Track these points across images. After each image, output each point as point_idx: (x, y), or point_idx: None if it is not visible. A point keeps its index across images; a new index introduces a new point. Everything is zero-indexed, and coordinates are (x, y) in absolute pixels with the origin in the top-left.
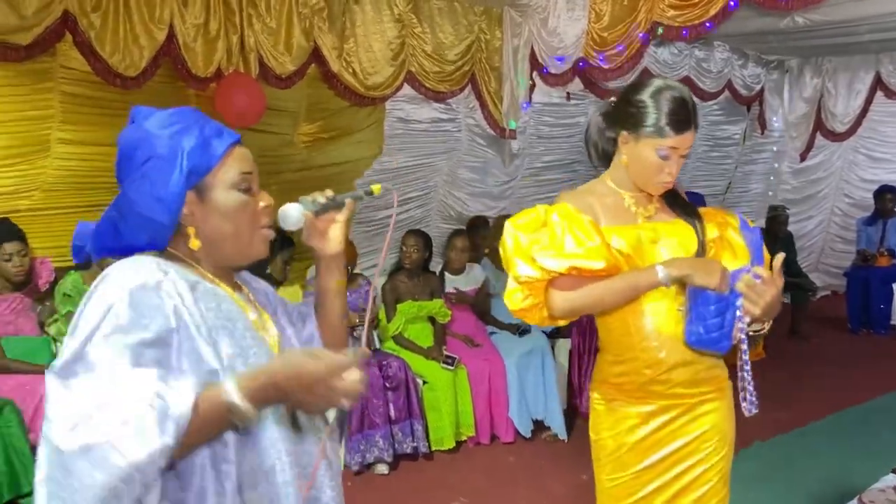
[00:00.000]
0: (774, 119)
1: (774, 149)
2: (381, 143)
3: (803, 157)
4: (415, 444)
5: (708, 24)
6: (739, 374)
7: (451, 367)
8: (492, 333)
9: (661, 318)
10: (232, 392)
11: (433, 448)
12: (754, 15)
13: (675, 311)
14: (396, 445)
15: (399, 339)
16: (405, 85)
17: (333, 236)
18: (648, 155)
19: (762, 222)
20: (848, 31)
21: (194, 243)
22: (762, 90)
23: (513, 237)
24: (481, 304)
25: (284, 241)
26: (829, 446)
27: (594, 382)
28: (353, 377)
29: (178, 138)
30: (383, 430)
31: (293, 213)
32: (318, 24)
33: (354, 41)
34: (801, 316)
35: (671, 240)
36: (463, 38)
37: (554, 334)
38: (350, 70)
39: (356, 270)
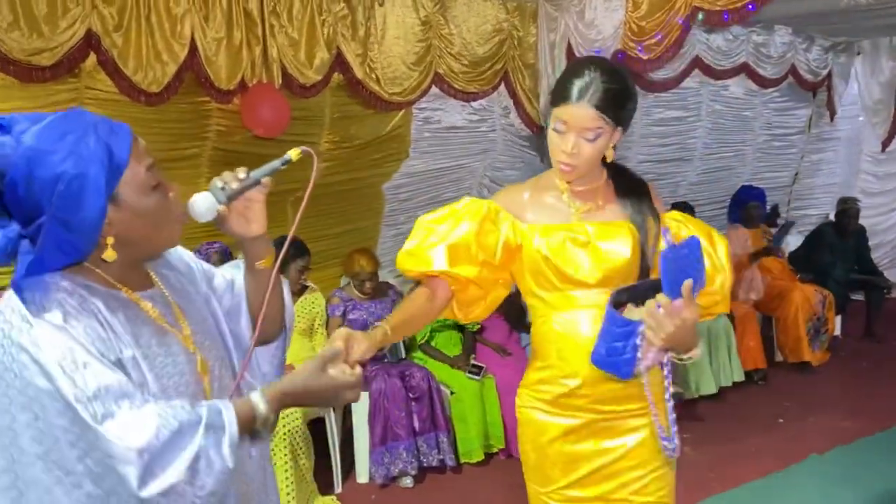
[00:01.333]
0: (845, 104)
1: (848, 136)
2: (408, 147)
3: (885, 145)
4: (441, 456)
5: (750, 6)
6: (653, 409)
7: (478, 377)
8: (526, 344)
9: (588, 327)
10: (259, 403)
11: (462, 461)
12: None
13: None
14: (422, 458)
15: (426, 349)
16: (434, 87)
17: (255, 217)
18: (550, 133)
19: (832, 216)
20: None
21: (110, 254)
22: (829, 74)
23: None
24: (514, 312)
25: (298, 250)
26: (893, 459)
27: (519, 387)
28: (355, 392)
29: (80, 150)
30: (407, 441)
31: (202, 205)
32: (342, 31)
33: (378, 47)
34: (876, 315)
35: (605, 244)
36: (492, 36)
37: None
38: (374, 76)
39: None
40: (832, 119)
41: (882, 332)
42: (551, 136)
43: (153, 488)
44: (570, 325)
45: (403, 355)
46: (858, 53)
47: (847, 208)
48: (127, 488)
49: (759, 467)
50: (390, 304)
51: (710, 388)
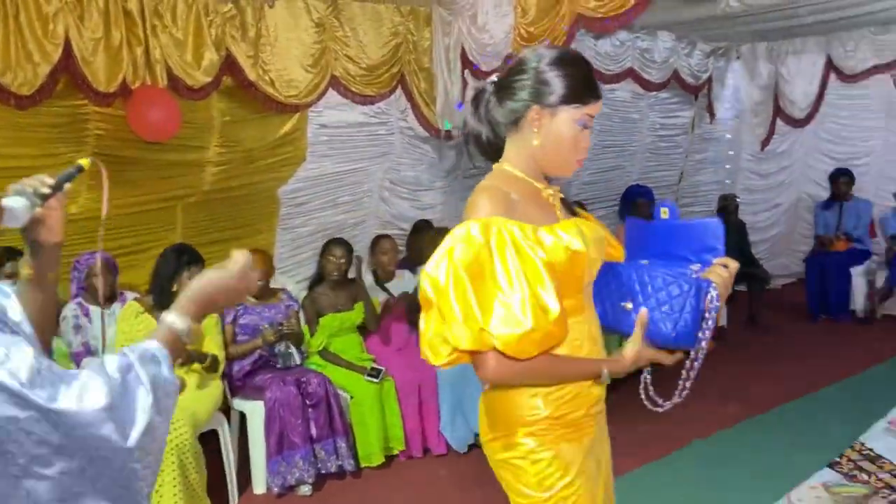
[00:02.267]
0: (725, 107)
1: (728, 137)
2: (305, 151)
3: (765, 145)
4: (340, 462)
5: (629, 14)
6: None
7: (376, 380)
8: None
9: (597, 326)
10: (174, 320)
11: (362, 465)
12: (679, 4)
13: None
14: (320, 465)
15: (325, 355)
16: (330, 90)
17: (54, 224)
18: (566, 129)
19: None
20: (788, 13)
21: None
22: (710, 78)
23: (456, 286)
24: (415, 314)
25: (191, 257)
26: (771, 440)
27: (507, 436)
28: (252, 278)
29: None
30: (304, 449)
31: (19, 207)
32: (231, 32)
33: (271, 48)
34: (758, 305)
35: (597, 241)
36: (388, 40)
37: None
38: (267, 78)
39: (274, 285)
40: (713, 120)
41: (765, 321)
42: (573, 132)
43: (135, 434)
44: (590, 326)
45: (298, 362)
46: (738, 58)
47: (727, 204)
48: (112, 447)
49: (647, 454)
50: (284, 310)
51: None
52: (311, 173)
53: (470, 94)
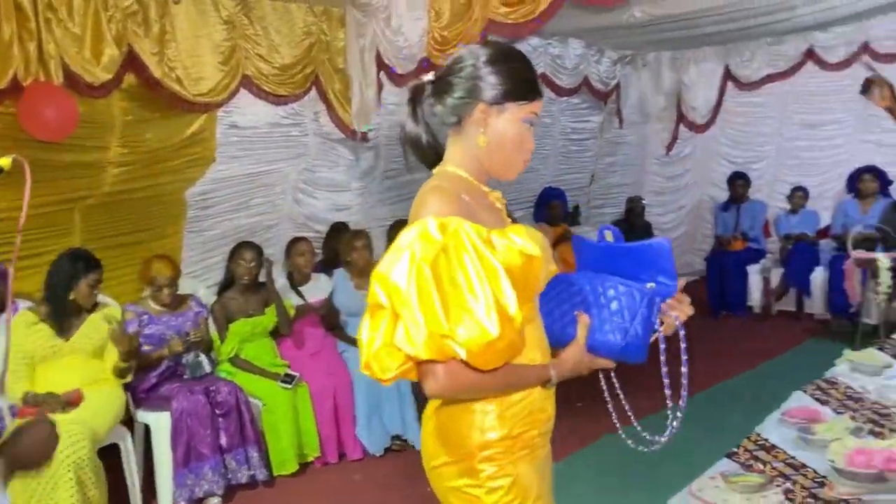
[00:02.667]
0: (631, 112)
1: (635, 142)
2: (214, 151)
3: (669, 149)
4: (252, 471)
5: (538, 20)
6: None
7: (290, 386)
8: (343, 351)
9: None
10: None
11: (275, 473)
12: (587, 12)
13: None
14: (230, 475)
15: (236, 361)
16: (242, 89)
17: None
18: (513, 127)
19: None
20: (690, 23)
21: None
22: (618, 84)
23: (420, 289)
24: (330, 318)
25: (88, 263)
26: (678, 431)
27: (468, 448)
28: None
29: None
30: (213, 460)
31: None
32: (133, 27)
33: (177, 45)
34: None
35: (544, 245)
36: (301, 39)
37: None
38: (174, 76)
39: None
40: (621, 125)
41: None
42: (519, 130)
43: None
44: (540, 335)
45: (208, 371)
46: (644, 65)
47: (633, 206)
48: None
49: (563, 450)
50: (193, 317)
51: None
52: (221, 175)
53: (406, 95)
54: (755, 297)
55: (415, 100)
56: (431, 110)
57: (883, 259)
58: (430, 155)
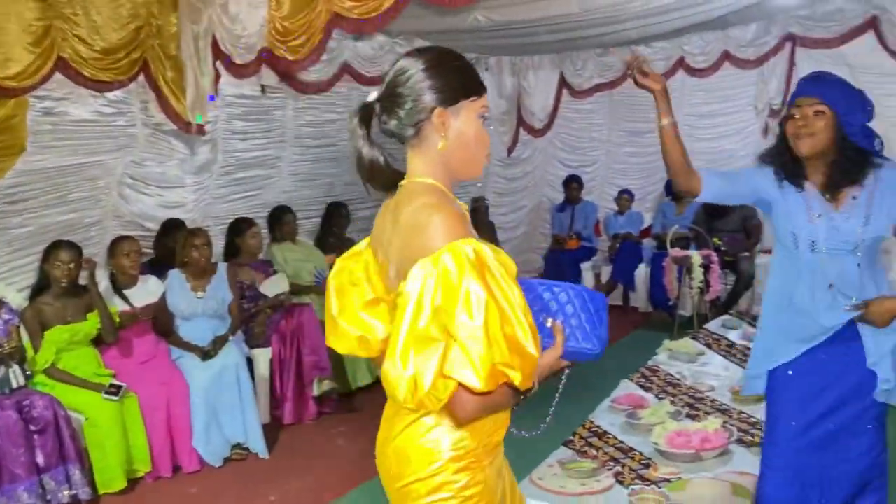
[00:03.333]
0: None
1: None
2: (24, 141)
3: (511, 151)
4: (73, 491)
5: (382, 17)
6: None
7: (116, 398)
8: (177, 358)
9: None
10: None
11: (101, 491)
12: (433, 13)
13: None
14: (49, 496)
15: (52, 373)
16: (58, 73)
17: None
18: (472, 125)
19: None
20: (528, 31)
21: None
22: None
23: (487, 319)
24: (162, 322)
25: None
26: (512, 425)
27: (439, 463)
28: None
29: None
30: (28, 481)
31: None
32: None
33: None
34: None
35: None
36: (127, 21)
37: (252, 345)
38: None
39: None
40: None
41: None
42: (476, 126)
43: None
44: None
45: (23, 383)
46: (486, 69)
47: (478, 206)
48: None
49: None
50: (1, 326)
51: (366, 378)
52: (34, 166)
53: (354, 120)
54: None
55: (364, 121)
56: (384, 128)
57: (696, 256)
58: (390, 176)
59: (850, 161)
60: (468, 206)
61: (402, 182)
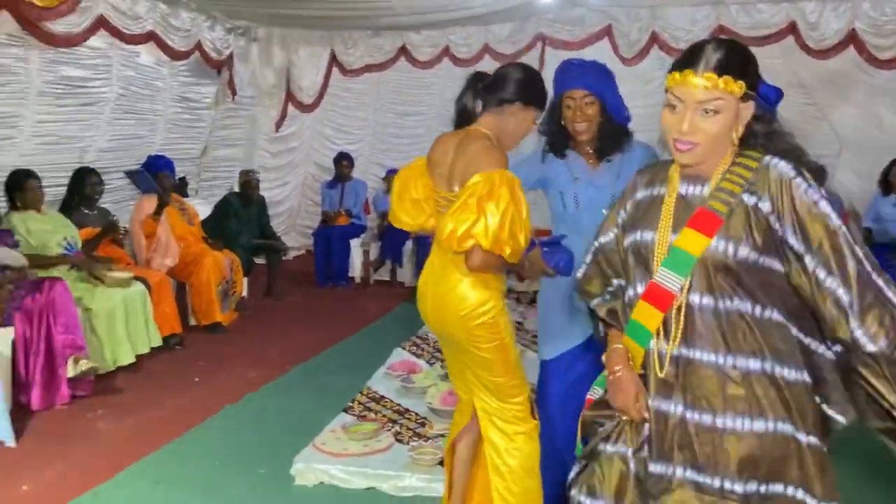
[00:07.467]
0: (245, 86)
1: (248, 115)
2: None
3: (279, 126)
4: None
5: None
6: None
7: None
8: None
9: None
10: None
11: None
12: None
13: None
14: None
15: None
16: None
17: None
18: (526, 125)
19: (237, 187)
20: (299, 4)
21: None
22: (231, 55)
23: (508, 208)
24: None
25: None
26: (294, 397)
27: (488, 297)
28: None
29: None
30: None
31: None
32: None
33: None
34: (276, 275)
35: None
36: None
37: None
38: None
39: None
40: (234, 97)
41: (280, 291)
42: (529, 127)
43: None
44: None
45: None
46: (254, 40)
47: (248, 179)
48: None
49: (180, 426)
50: None
51: (128, 357)
52: None
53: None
54: (357, 268)
55: (475, 81)
56: (485, 94)
57: None
58: (469, 121)
59: (617, 135)
60: (239, 178)
61: (470, 127)
